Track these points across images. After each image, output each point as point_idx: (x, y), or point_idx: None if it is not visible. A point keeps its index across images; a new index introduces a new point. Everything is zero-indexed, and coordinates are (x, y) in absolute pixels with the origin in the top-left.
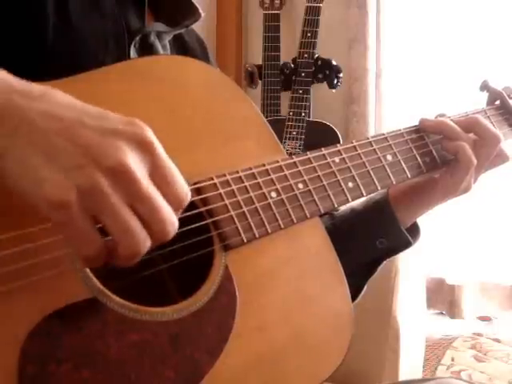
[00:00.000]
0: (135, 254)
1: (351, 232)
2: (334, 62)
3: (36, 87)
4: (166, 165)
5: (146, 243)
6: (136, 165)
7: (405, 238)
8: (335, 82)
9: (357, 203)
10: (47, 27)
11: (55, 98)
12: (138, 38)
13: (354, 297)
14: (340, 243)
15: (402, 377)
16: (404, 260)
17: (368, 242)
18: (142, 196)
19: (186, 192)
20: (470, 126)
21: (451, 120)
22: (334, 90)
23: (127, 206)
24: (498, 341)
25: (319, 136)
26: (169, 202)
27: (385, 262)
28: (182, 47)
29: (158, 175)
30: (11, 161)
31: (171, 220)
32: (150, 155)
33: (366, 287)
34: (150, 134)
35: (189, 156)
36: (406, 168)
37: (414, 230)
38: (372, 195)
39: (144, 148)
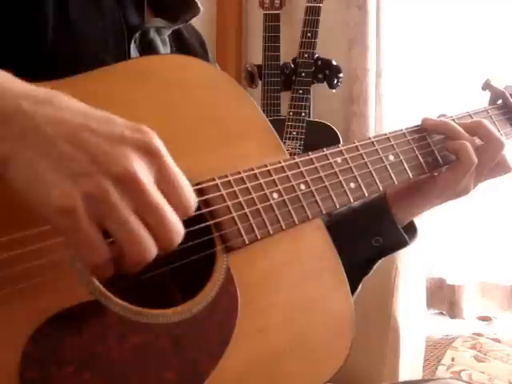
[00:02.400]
0: (141, 262)
1: (347, 229)
2: (334, 62)
3: (42, 91)
4: (173, 172)
5: (152, 251)
6: (143, 172)
7: (401, 237)
8: (335, 81)
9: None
10: (47, 27)
11: (61, 102)
12: (137, 35)
13: None
14: (336, 240)
15: (402, 377)
16: (404, 260)
17: (364, 239)
18: (149, 204)
19: (192, 199)
20: (475, 128)
21: (456, 121)
22: (334, 90)
23: (134, 213)
24: (498, 341)
25: (319, 136)
26: (175, 209)
27: (380, 260)
28: (180, 43)
29: (164, 182)
30: (19, 165)
31: (177, 228)
32: (157, 162)
33: (360, 286)
34: (158, 141)
35: (190, 156)
36: (407, 168)
37: (411, 230)
38: None
39: (151, 155)
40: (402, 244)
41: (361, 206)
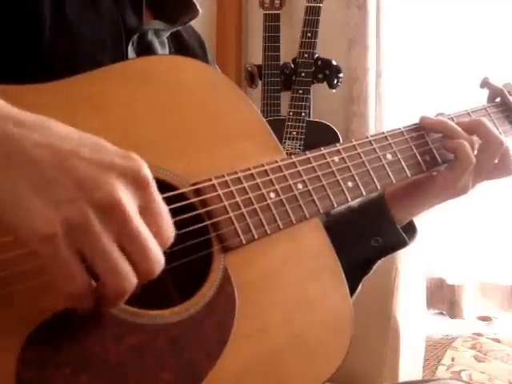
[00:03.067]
0: (122, 294)
1: (346, 230)
2: (334, 62)
3: (31, 116)
4: (157, 204)
5: (132, 282)
6: (128, 201)
7: (400, 237)
8: (335, 82)
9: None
10: (44, 27)
11: (51, 127)
12: (135, 37)
13: None
14: (335, 241)
15: (402, 377)
16: (404, 260)
17: (363, 240)
18: (131, 234)
19: (171, 233)
20: (473, 127)
21: (454, 119)
22: (334, 90)
23: (116, 243)
24: (497, 341)
25: (319, 136)
26: (155, 239)
27: (380, 261)
28: (180, 44)
29: (148, 212)
30: (1, 189)
31: (158, 258)
32: (143, 192)
33: (360, 286)
34: (146, 170)
35: (187, 157)
36: (405, 167)
37: (410, 229)
38: None
39: (138, 184)
40: (402, 244)
41: (359, 207)
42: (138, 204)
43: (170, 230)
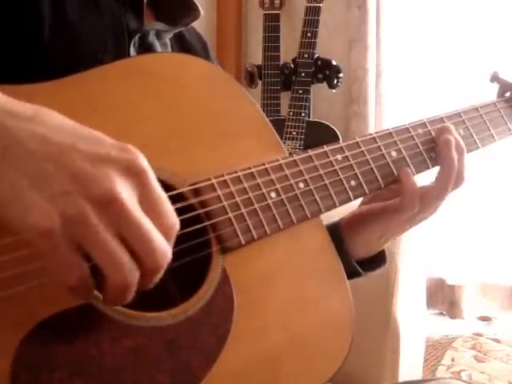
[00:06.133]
0: (124, 287)
1: None
2: (334, 62)
3: (28, 107)
4: (156, 193)
5: (134, 274)
6: (126, 193)
7: (352, 267)
8: (335, 82)
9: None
10: (43, 27)
11: (48, 119)
12: (136, 37)
13: None
14: None
15: (402, 377)
16: (404, 260)
17: None
18: (132, 226)
19: (174, 223)
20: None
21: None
22: (334, 90)
23: (115, 236)
24: (497, 341)
25: (319, 136)
26: (159, 228)
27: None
28: (183, 45)
29: (147, 204)
30: None
31: (163, 249)
32: (141, 183)
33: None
34: (143, 162)
35: (188, 155)
36: (411, 164)
37: (380, 258)
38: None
39: (135, 176)
40: (354, 274)
41: None
42: (137, 196)
43: (172, 217)
